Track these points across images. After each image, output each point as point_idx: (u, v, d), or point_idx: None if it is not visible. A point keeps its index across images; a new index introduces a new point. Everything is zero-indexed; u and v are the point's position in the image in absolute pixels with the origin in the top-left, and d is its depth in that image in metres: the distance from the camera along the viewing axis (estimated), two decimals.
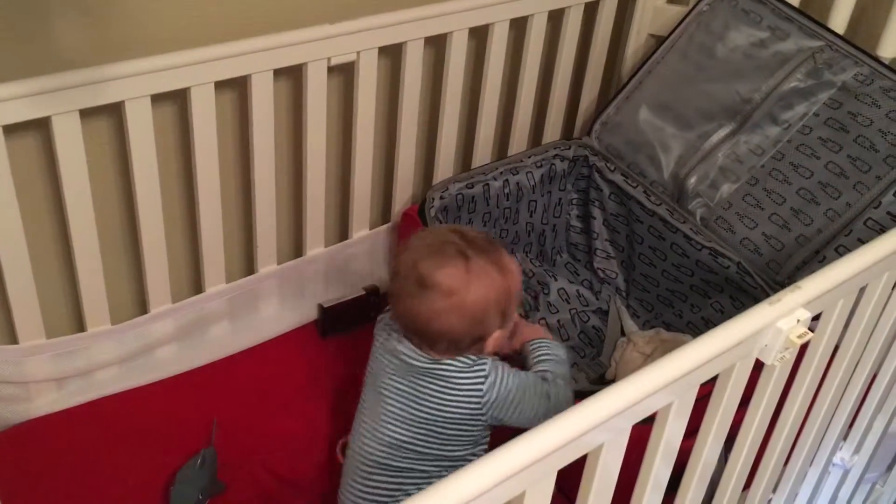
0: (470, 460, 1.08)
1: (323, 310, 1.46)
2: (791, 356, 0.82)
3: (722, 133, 1.48)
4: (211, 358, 1.40)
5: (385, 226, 1.54)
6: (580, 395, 1.14)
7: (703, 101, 1.50)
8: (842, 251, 1.30)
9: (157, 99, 1.16)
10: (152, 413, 1.31)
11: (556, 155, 1.57)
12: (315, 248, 1.46)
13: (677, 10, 1.63)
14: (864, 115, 1.36)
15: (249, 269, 1.44)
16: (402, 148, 1.47)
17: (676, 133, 1.52)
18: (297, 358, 1.44)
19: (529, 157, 1.55)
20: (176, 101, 1.25)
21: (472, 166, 1.60)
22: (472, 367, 1.07)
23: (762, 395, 0.87)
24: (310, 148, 1.35)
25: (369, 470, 1.10)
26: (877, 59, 1.39)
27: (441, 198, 1.42)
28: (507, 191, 1.51)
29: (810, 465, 1.13)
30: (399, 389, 1.08)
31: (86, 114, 1.12)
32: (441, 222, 1.42)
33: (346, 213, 1.50)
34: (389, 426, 1.08)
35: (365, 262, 1.54)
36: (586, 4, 1.56)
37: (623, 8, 1.66)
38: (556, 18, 1.56)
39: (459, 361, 1.07)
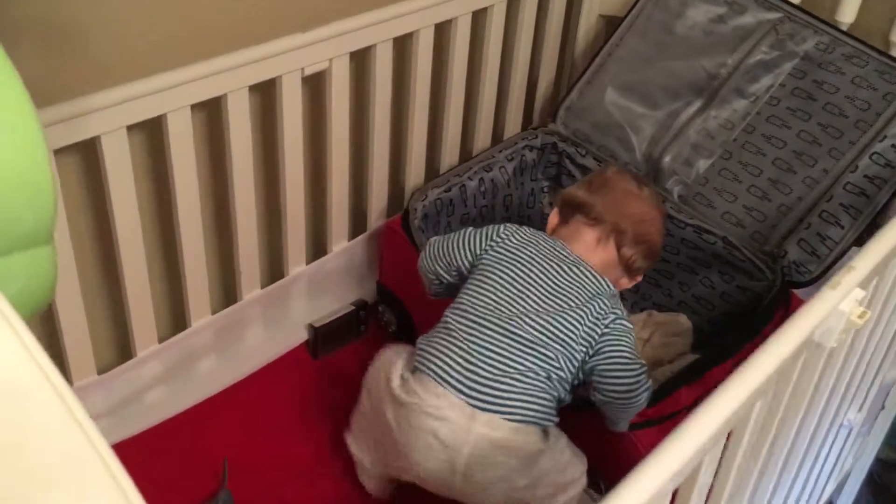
0: (555, 385, 1.06)
1: (314, 330, 1.40)
2: (848, 336, 0.83)
3: (691, 110, 1.49)
4: (205, 395, 1.33)
5: (363, 235, 1.49)
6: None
7: (669, 79, 1.51)
8: (825, 216, 1.34)
9: (129, 129, 1.08)
10: (152, 461, 1.23)
11: (526, 146, 1.55)
12: (297, 266, 1.40)
13: None
14: (830, 83, 1.39)
15: (231, 297, 1.36)
16: (375, 154, 1.42)
17: (645, 113, 1.52)
18: (292, 383, 1.38)
19: (500, 152, 1.53)
20: (143, 130, 1.16)
21: (440, 165, 1.56)
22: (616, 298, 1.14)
23: (817, 374, 0.88)
24: (287, 163, 1.29)
25: (476, 326, 1.07)
26: (835, 27, 1.42)
27: (423, 206, 1.39)
28: (482, 189, 1.49)
29: (829, 426, 1.16)
30: (547, 269, 1.12)
31: (57, 152, 1.03)
32: (423, 232, 1.38)
33: (322, 227, 1.44)
34: (522, 294, 1.10)
35: (346, 274, 1.48)
36: None
37: None
38: (511, 7, 1.53)
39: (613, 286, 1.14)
